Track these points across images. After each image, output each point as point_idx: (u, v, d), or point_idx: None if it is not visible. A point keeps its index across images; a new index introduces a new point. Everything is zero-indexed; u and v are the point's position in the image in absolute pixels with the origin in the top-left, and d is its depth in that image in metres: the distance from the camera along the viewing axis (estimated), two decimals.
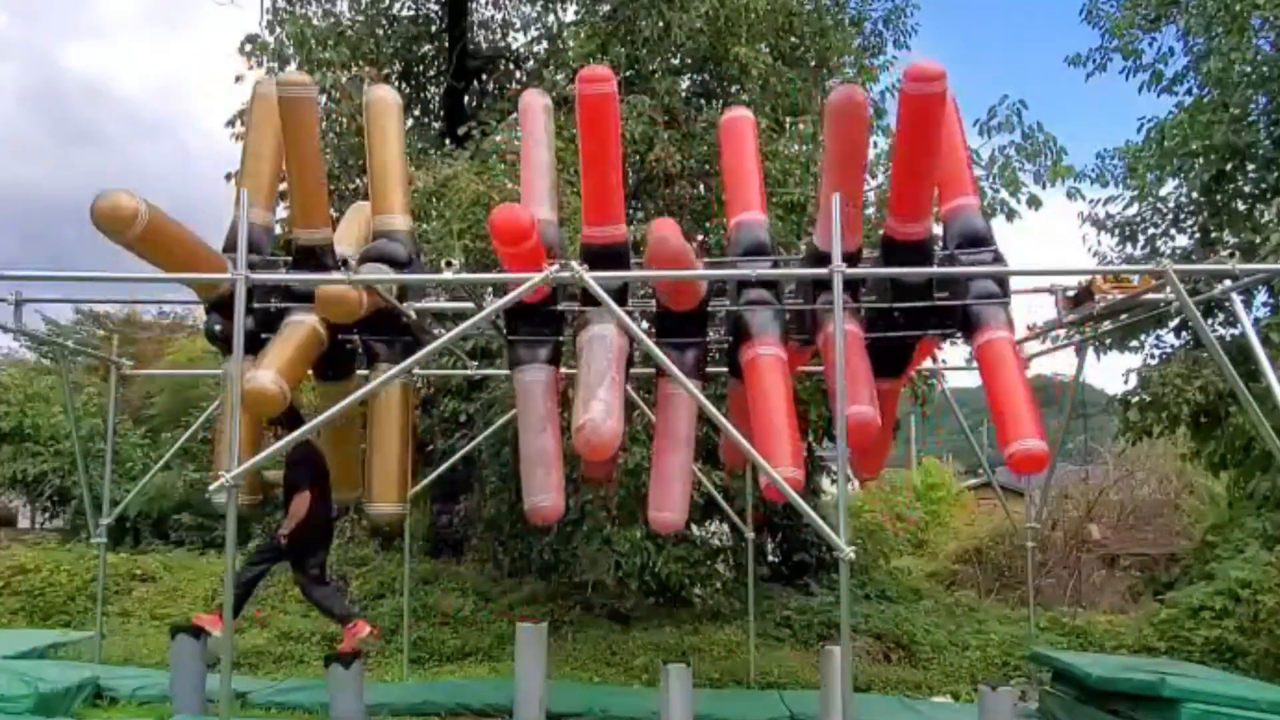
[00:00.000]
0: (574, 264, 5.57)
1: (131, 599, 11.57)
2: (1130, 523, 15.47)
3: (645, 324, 6.93)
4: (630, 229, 6.65)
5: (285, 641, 9.72)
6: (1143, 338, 10.85)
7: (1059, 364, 29.81)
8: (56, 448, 16.71)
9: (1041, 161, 11.23)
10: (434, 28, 14.36)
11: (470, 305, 6.97)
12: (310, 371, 7.04)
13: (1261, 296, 10.30)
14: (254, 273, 5.79)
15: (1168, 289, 6.04)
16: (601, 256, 5.91)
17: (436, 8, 14.45)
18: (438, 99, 14.55)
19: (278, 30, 12.55)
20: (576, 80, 5.75)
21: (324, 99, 11.45)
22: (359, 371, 7.38)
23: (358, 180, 11.63)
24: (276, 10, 13.08)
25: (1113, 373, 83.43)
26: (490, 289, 6.79)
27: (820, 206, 6.12)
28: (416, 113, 14.42)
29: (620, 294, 6.07)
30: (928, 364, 9.54)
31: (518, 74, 14.29)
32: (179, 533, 15.63)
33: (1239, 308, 6.14)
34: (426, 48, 14.31)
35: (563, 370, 6.73)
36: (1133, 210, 11.43)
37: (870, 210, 9.08)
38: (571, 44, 12.08)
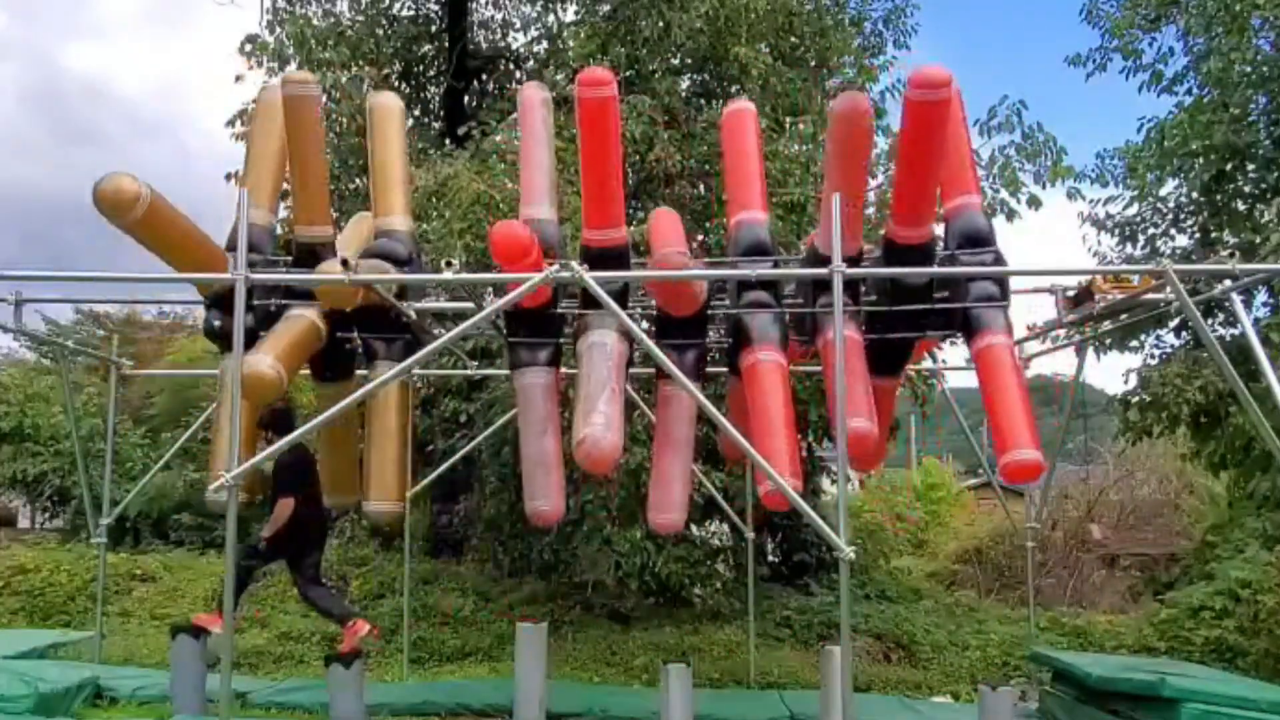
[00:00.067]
0: (574, 264, 5.55)
1: (131, 599, 11.56)
2: (1130, 523, 15.46)
3: (645, 324, 6.91)
4: (630, 229, 6.63)
5: (285, 641, 9.72)
6: (1143, 338, 10.85)
7: (1059, 364, 29.78)
8: (56, 448, 16.68)
9: (1041, 161, 11.22)
10: (434, 28, 14.35)
11: (470, 305, 6.97)
12: (310, 372, 7.05)
13: (1261, 296, 10.31)
14: (254, 272, 5.78)
15: (1168, 289, 6.03)
16: (601, 259, 5.88)
17: (436, 8, 14.44)
18: (438, 99, 14.53)
19: (278, 30, 12.55)
20: (576, 83, 5.71)
21: (324, 99, 11.44)
22: (358, 372, 7.38)
23: (358, 180, 11.64)
24: (276, 10, 13.08)
25: (1113, 373, 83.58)
26: (490, 289, 6.79)
27: (821, 210, 6.10)
28: (416, 113, 14.40)
29: (621, 296, 6.05)
30: (928, 364, 9.55)
31: (518, 74, 14.27)
32: (179, 533, 15.60)
33: (1239, 308, 6.13)
34: (426, 48, 14.30)
35: (563, 370, 6.72)
36: (1133, 210, 11.44)
37: (870, 210, 9.07)
38: (571, 44, 12.06)
